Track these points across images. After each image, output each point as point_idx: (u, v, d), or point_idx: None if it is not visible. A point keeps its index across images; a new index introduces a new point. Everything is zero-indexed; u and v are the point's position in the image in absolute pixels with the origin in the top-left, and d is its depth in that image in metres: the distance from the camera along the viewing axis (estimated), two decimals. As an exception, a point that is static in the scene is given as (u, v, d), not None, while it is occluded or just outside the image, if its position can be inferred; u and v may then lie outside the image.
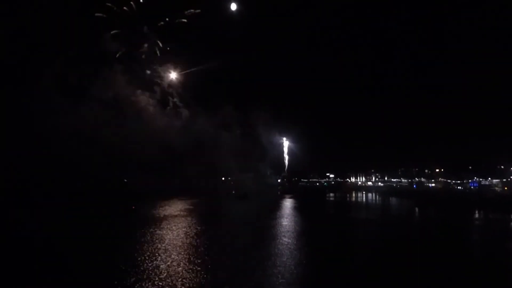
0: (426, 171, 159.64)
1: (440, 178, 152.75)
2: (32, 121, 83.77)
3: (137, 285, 19.82)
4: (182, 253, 27.97)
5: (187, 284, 20.10)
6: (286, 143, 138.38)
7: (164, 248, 29.33)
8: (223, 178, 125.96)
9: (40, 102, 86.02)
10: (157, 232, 36.77)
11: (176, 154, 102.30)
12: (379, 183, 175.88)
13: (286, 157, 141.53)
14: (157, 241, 32.08)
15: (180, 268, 23.21)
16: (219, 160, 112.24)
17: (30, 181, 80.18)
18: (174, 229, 38.89)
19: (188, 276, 21.61)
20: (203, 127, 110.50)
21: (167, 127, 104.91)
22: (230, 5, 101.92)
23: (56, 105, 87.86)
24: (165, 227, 40.38)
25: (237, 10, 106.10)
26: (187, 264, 24.32)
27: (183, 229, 39.07)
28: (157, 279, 20.89)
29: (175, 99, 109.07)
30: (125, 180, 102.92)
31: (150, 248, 28.84)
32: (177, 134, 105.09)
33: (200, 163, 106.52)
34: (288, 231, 39.51)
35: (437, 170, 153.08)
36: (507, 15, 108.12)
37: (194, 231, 38.46)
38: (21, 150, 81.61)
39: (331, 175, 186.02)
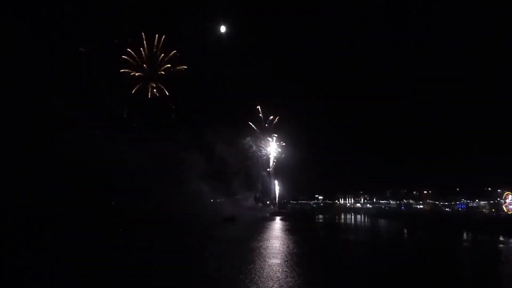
0: (414, 192, 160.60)
1: (428, 200, 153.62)
2: None
3: None
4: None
5: None
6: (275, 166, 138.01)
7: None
8: (211, 200, 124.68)
9: None
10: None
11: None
12: (368, 205, 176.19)
13: (275, 181, 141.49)
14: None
15: None
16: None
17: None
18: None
19: None
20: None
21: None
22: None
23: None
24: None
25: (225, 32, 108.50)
26: None
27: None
28: None
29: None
30: (113, 202, 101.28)
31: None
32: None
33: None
34: (278, 253, 39.33)
35: (425, 192, 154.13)
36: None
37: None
38: None
39: (320, 197, 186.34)
